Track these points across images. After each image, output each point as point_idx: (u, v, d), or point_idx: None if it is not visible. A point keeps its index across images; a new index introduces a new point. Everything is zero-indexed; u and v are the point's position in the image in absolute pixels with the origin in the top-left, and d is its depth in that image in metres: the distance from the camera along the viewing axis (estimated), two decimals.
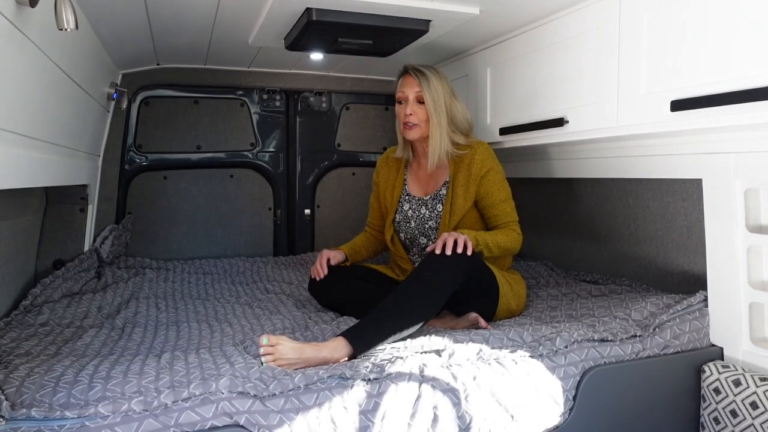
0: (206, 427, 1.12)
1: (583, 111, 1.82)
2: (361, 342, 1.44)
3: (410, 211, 2.02)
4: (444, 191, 1.97)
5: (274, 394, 1.19)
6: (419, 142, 1.99)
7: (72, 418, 1.05)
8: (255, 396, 1.17)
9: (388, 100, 3.17)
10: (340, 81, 3.03)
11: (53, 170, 1.75)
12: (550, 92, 1.97)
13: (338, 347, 1.41)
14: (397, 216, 2.05)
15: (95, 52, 2.04)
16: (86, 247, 2.50)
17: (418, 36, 2.03)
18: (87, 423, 1.05)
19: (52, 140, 1.70)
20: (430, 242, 1.97)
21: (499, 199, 1.90)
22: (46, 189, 2.27)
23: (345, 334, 1.45)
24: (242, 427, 1.14)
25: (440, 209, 1.96)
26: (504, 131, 2.20)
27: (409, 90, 1.92)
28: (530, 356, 1.41)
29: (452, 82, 2.74)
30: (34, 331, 1.65)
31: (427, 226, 1.98)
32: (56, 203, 2.35)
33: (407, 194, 2.05)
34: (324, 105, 3.09)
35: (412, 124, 1.92)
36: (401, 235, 2.05)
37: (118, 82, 2.59)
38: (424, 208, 2.00)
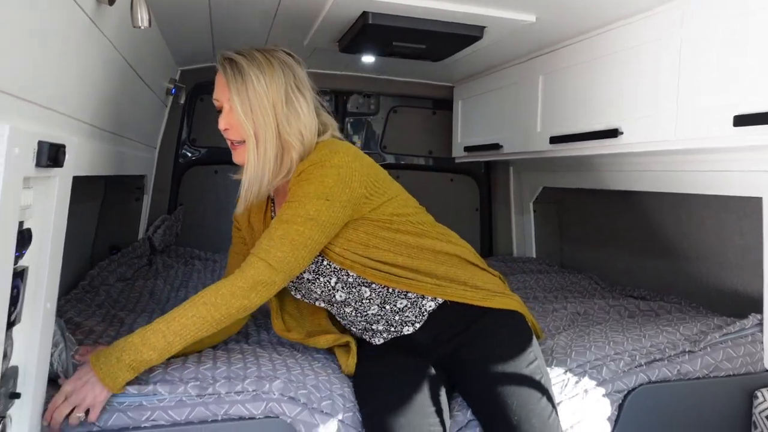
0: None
1: (639, 123, 1.78)
2: None
3: None
4: None
5: (323, 411, 1.20)
6: None
7: (133, 394, 1.11)
8: (305, 404, 1.19)
9: (435, 104, 3.18)
10: (388, 84, 3.05)
11: (116, 160, 1.84)
12: (605, 102, 1.94)
13: None
14: None
15: (158, 49, 2.13)
16: (140, 235, 2.60)
17: (472, 42, 2.03)
18: (144, 402, 1.11)
19: (117, 131, 1.78)
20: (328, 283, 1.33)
21: (280, 220, 1.22)
22: (106, 177, 2.38)
23: None
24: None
25: None
26: (555, 140, 2.17)
27: (221, 94, 1.28)
28: (574, 396, 1.36)
29: (500, 90, 2.57)
30: (92, 311, 1.73)
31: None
32: (114, 192, 2.46)
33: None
34: (372, 107, 3.12)
35: (233, 143, 1.29)
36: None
37: (177, 78, 2.69)
38: None
